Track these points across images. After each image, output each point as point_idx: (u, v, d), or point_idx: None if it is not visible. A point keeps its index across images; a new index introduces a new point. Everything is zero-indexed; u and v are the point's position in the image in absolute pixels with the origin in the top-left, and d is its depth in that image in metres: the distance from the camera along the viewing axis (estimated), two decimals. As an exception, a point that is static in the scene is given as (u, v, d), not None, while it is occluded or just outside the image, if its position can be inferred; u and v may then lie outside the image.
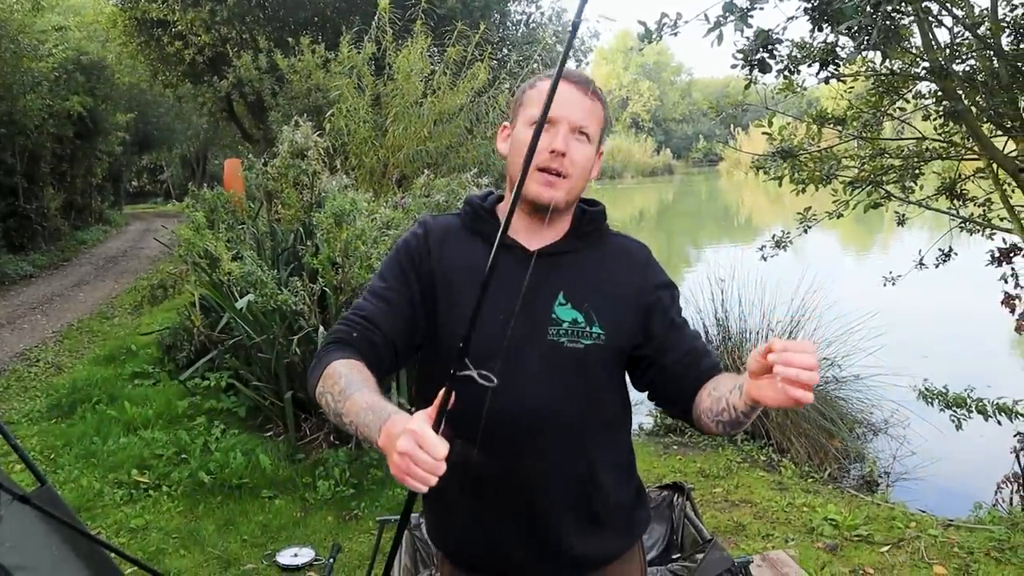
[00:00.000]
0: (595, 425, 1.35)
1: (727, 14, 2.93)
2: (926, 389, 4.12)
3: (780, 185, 4.23)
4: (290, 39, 8.77)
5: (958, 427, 3.95)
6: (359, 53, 6.87)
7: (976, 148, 3.88)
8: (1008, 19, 3.56)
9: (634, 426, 1.48)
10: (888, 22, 2.99)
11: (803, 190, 4.16)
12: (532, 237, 1.34)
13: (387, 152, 6.62)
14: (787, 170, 4.13)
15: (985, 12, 3.53)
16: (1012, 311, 3.98)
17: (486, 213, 1.40)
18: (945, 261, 4.31)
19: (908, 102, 4.15)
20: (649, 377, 1.37)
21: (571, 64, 12.25)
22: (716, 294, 5.59)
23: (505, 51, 11.02)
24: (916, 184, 4.21)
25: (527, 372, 1.28)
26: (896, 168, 4.14)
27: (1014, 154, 3.68)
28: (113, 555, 2.05)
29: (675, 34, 3.12)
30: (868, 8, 2.87)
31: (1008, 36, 3.55)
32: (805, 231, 4.40)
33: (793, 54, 3.48)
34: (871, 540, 3.34)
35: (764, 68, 3.30)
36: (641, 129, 57.64)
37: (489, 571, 1.41)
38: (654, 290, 1.37)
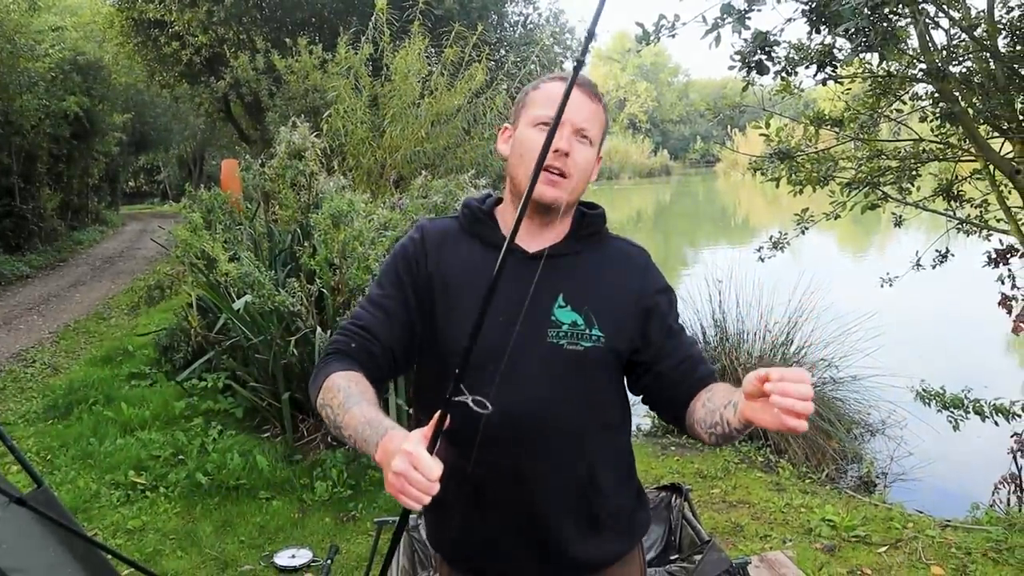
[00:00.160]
0: (595, 427, 1.35)
1: (725, 16, 2.93)
2: (923, 390, 4.13)
3: (777, 186, 4.23)
4: (287, 40, 8.77)
5: (955, 428, 3.96)
6: (356, 54, 6.86)
7: (973, 150, 3.89)
8: (1005, 21, 3.57)
9: (632, 427, 1.48)
10: (885, 24, 2.99)
11: (800, 191, 4.16)
12: (532, 239, 1.34)
13: (384, 153, 6.62)
14: (784, 171, 4.13)
15: (982, 14, 3.54)
16: (1009, 312, 3.99)
17: (484, 215, 1.40)
18: (942, 262, 4.32)
19: (905, 104, 4.16)
20: (645, 382, 1.38)
21: (568, 65, 12.27)
22: (714, 295, 5.59)
23: (502, 52, 11.01)
24: (913, 185, 4.22)
25: (526, 374, 1.28)
26: (893, 169, 4.15)
27: (1011, 156, 3.69)
28: (110, 557, 2.05)
29: (673, 36, 3.13)
30: (865, 10, 2.88)
31: (1005, 38, 3.56)
32: (802, 232, 4.40)
33: (791, 56, 3.48)
34: (869, 541, 3.34)
35: (762, 70, 3.30)
36: (638, 130, 57.74)
37: (488, 574, 1.41)
38: (653, 294, 1.37)
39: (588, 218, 1.40)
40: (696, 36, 3.45)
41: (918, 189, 4.28)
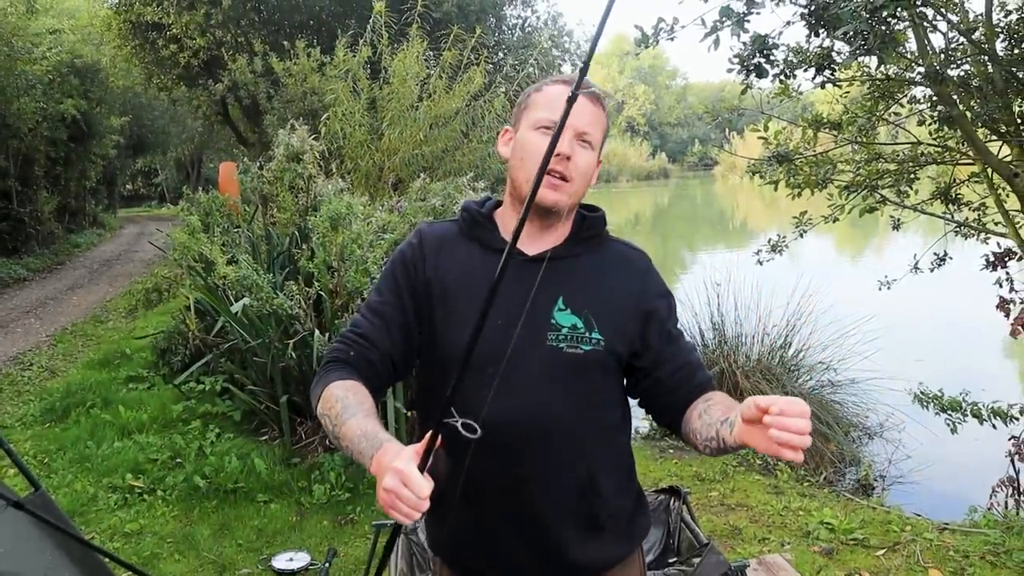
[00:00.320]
0: (595, 430, 1.35)
1: (724, 19, 2.93)
2: (921, 393, 4.14)
3: (776, 189, 4.24)
4: (285, 42, 8.75)
5: (953, 431, 3.97)
6: (355, 57, 6.86)
7: (971, 153, 3.90)
8: (1003, 25, 3.58)
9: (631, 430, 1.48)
10: (884, 27, 3.00)
11: (799, 194, 4.17)
12: (532, 242, 1.34)
13: (383, 156, 6.61)
14: (783, 174, 4.14)
15: (980, 17, 3.55)
16: (1007, 315, 3.99)
17: (484, 219, 1.40)
18: (940, 265, 4.32)
19: (903, 107, 4.16)
20: (642, 387, 1.38)
21: (567, 68, 12.27)
22: (712, 298, 5.60)
23: (501, 55, 11.02)
24: (911, 188, 4.22)
25: (526, 378, 1.27)
26: (891, 172, 4.16)
27: (1009, 159, 3.70)
28: (108, 560, 2.04)
29: (672, 39, 3.13)
30: (864, 13, 2.88)
31: (1002, 41, 3.57)
32: (801, 235, 4.41)
33: (789, 59, 3.49)
34: (867, 544, 3.34)
35: (761, 73, 3.30)
36: (637, 133, 57.82)
37: (487, 576, 1.40)
38: (653, 298, 1.37)
39: (588, 221, 1.39)
40: (695, 39, 3.44)
41: (916, 192, 4.28)
